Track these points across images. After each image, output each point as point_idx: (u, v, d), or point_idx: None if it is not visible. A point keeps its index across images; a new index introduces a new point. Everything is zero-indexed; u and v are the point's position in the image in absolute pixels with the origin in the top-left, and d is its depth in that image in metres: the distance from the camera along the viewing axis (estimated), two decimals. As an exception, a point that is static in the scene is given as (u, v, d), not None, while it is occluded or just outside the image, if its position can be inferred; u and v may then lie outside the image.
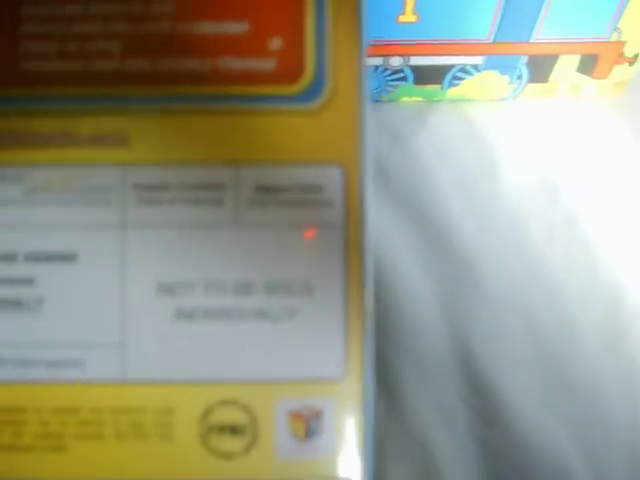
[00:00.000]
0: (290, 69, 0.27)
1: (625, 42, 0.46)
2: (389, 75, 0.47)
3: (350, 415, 0.25)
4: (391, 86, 0.48)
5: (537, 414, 0.38)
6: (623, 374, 0.39)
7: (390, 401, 0.38)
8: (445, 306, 0.41)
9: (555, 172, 0.46)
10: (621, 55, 0.47)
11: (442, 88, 0.49)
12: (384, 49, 0.45)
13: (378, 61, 0.46)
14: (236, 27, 0.27)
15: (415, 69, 0.47)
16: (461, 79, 0.48)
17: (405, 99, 0.50)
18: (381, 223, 0.44)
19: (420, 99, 0.50)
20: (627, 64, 0.48)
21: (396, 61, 0.47)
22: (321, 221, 0.26)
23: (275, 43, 0.27)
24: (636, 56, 0.48)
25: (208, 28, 0.27)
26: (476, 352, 0.39)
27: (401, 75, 0.48)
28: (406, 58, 0.46)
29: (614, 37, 0.46)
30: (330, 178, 0.26)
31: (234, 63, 0.27)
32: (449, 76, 0.48)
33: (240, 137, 0.26)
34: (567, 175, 0.46)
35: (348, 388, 0.25)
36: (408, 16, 0.43)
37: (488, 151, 0.47)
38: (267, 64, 0.27)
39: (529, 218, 0.44)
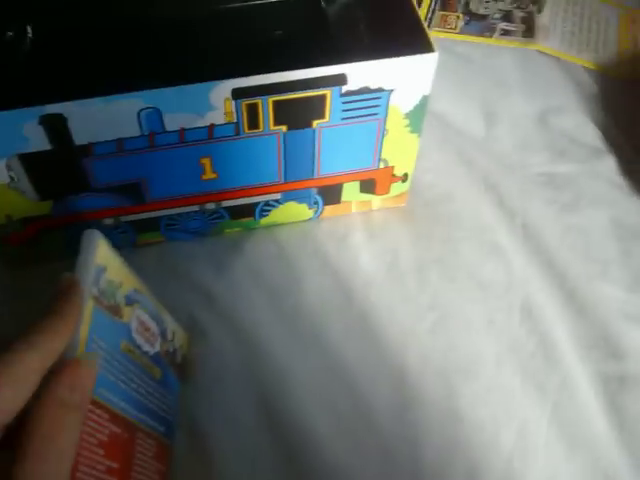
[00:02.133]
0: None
1: (393, 166, 0.58)
2: (208, 216, 0.58)
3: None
4: (212, 223, 0.59)
5: (333, 475, 0.47)
6: (407, 437, 0.49)
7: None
8: (259, 395, 0.50)
9: (349, 276, 0.57)
10: (393, 176, 0.59)
11: (255, 218, 0.59)
12: (197, 199, 0.56)
13: (195, 208, 0.56)
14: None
15: (228, 209, 0.57)
16: (268, 210, 0.59)
17: (227, 231, 0.60)
18: (211, 334, 0.53)
19: (239, 229, 0.60)
20: (400, 181, 0.60)
21: (210, 206, 0.57)
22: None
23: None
24: (405, 175, 0.60)
25: None
26: (289, 428, 0.49)
27: (218, 215, 0.58)
28: (218, 203, 0.57)
29: (382, 165, 0.57)
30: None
31: None
32: (258, 209, 0.58)
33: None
34: (360, 278, 0.57)
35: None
36: (209, 175, 0.53)
37: (294, 266, 0.57)
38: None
39: (329, 319, 0.55)
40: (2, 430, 0.29)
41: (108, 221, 0.55)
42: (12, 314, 0.52)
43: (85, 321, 0.35)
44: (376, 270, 0.57)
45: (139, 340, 0.42)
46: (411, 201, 0.61)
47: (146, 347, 0.43)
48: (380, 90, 0.50)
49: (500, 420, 0.49)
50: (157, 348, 0.45)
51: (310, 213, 0.60)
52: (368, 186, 0.59)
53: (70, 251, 0.52)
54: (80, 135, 0.47)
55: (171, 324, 0.48)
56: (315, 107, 0.50)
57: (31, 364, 0.30)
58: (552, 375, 0.52)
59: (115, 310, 0.39)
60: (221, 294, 0.55)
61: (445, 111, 0.69)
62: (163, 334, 0.46)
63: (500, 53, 0.76)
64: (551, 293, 0.56)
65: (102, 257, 0.38)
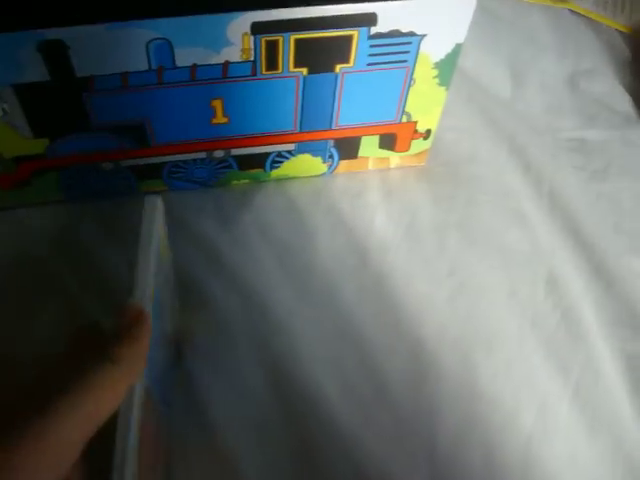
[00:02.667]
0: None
1: (416, 121, 0.54)
2: (216, 165, 0.54)
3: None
4: (220, 173, 0.55)
5: (348, 451, 0.44)
6: (422, 412, 0.46)
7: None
8: (266, 361, 0.47)
9: (364, 236, 0.53)
10: (415, 132, 0.55)
11: (265, 170, 0.55)
12: (205, 145, 0.51)
13: (202, 155, 0.52)
14: None
15: (237, 158, 0.53)
16: (280, 162, 0.55)
17: (235, 182, 0.56)
18: (215, 296, 0.49)
19: (248, 181, 0.56)
20: (422, 138, 0.56)
21: (219, 153, 0.53)
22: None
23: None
24: (428, 131, 0.56)
25: None
26: (293, 399, 0.45)
27: (226, 164, 0.54)
28: (227, 150, 0.52)
29: (405, 119, 0.53)
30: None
31: None
32: (269, 160, 0.54)
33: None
34: (376, 239, 0.53)
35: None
36: (220, 119, 0.49)
37: (306, 223, 0.53)
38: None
39: (341, 281, 0.51)
40: None
41: (107, 165, 0.51)
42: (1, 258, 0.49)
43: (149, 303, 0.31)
44: (393, 231, 0.54)
45: (164, 316, 0.38)
46: (431, 160, 0.58)
47: (166, 324, 0.39)
48: (412, 34, 0.46)
49: (520, 397, 0.46)
50: (171, 325, 0.41)
51: (324, 168, 0.56)
52: (388, 141, 0.55)
53: (64, 196, 0.48)
54: (82, 66, 0.43)
55: (176, 301, 0.44)
56: (340, 49, 0.45)
57: (75, 436, 0.26)
58: (575, 352, 0.48)
59: (160, 287, 0.35)
60: (226, 250, 0.51)
61: (471, 68, 0.65)
62: (172, 310, 0.42)
63: (530, 11, 0.72)
64: (578, 266, 0.53)
65: (160, 227, 0.34)
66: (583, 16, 0.72)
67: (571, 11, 0.72)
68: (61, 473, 0.26)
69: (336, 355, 0.47)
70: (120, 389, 0.28)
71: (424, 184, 0.57)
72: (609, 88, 0.65)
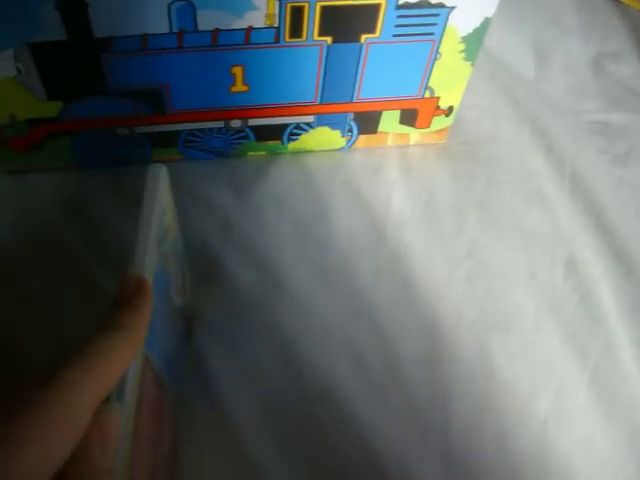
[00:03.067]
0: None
1: (438, 97, 0.53)
2: (232, 135, 0.52)
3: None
4: (236, 144, 0.53)
5: (360, 432, 0.43)
6: (437, 393, 0.45)
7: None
8: (278, 338, 0.46)
9: (382, 213, 0.52)
10: (437, 108, 0.54)
11: (283, 142, 0.54)
12: (223, 114, 0.50)
13: (219, 124, 0.51)
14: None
15: (255, 128, 0.52)
16: (298, 134, 0.53)
17: (251, 154, 0.55)
18: (227, 270, 0.48)
19: (264, 153, 0.55)
20: (444, 115, 0.55)
21: (236, 123, 0.51)
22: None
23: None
24: (450, 108, 0.54)
25: None
26: (307, 379, 0.44)
27: (243, 134, 0.52)
28: (244, 120, 0.51)
29: (427, 94, 0.52)
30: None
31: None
32: (287, 132, 0.53)
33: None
34: (393, 216, 0.52)
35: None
36: (239, 87, 0.48)
37: (322, 197, 0.52)
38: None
39: (357, 258, 0.50)
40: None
41: (122, 131, 0.50)
42: (12, 224, 0.48)
43: (151, 272, 0.30)
44: (411, 209, 0.52)
45: (172, 291, 0.37)
46: (451, 139, 0.56)
47: (176, 299, 0.38)
48: (440, 6, 0.44)
49: (536, 381, 0.46)
50: (181, 300, 0.40)
51: (342, 142, 0.55)
52: (409, 117, 0.54)
53: (76, 162, 0.47)
54: (101, 26, 0.41)
55: (188, 276, 0.43)
56: (367, 18, 0.44)
57: (87, 401, 0.25)
58: (594, 337, 0.48)
59: (165, 258, 0.34)
60: (240, 222, 0.50)
61: (495, 46, 0.63)
62: (184, 285, 0.41)
63: (556, -10, 0.70)
64: (598, 250, 0.52)
65: (165, 198, 0.33)
66: (610, -2, 0.70)
67: (597, -8, 0.71)
68: (77, 438, 0.25)
69: (350, 334, 0.46)
70: (126, 355, 0.28)
71: (444, 162, 0.55)
72: (634, 71, 0.64)
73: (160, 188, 0.33)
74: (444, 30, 0.46)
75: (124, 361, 0.28)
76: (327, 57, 0.46)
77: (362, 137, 0.55)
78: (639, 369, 0.47)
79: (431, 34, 0.46)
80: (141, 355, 0.29)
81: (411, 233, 0.51)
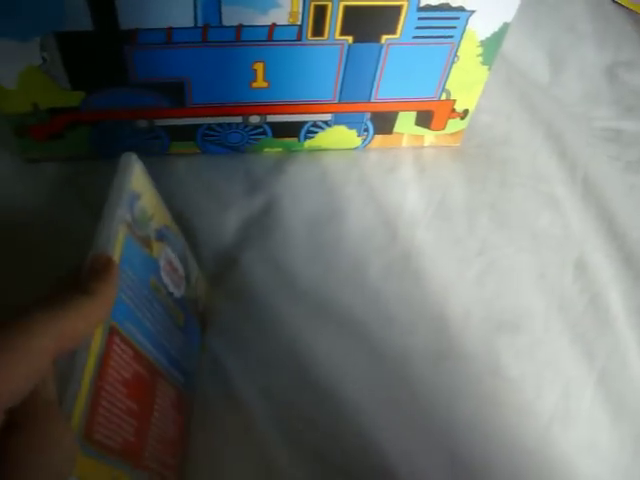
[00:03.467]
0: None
1: (455, 100, 0.53)
2: (250, 130, 0.53)
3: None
4: (253, 139, 0.54)
5: (370, 422, 0.43)
6: (443, 390, 0.45)
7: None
8: (290, 336, 0.46)
9: (395, 212, 0.53)
10: (453, 111, 0.54)
11: (299, 140, 0.55)
12: (242, 109, 0.51)
13: (238, 119, 0.52)
14: None
15: (273, 125, 0.53)
16: (315, 132, 0.54)
17: (267, 150, 0.56)
18: (240, 265, 0.49)
19: (280, 150, 0.56)
20: (459, 118, 0.55)
21: (255, 119, 0.52)
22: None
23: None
24: (466, 111, 0.55)
25: None
26: (320, 370, 0.45)
27: (261, 130, 0.53)
28: (263, 116, 0.52)
29: (444, 96, 0.53)
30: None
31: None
32: (304, 130, 0.54)
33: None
34: (406, 215, 0.53)
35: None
36: (260, 83, 0.49)
37: (337, 195, 0.53)
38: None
39: (369, 255, 0.50)
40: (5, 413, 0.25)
41: (142, 123, 0.51)
42: (29, 211, 0.49)
43: (117, 249, 0.31)
44: (424, 208, 0.53)
45: (166, 279, 0.38)
46: (465, 142, 0.57)
47: (172, 288, 0.39)
48: (461, 9, 0.45)
49: (542, 381, 0.46)
50: (182, 292, 0.41)
51: (358, 141, 0.55)
52: (424, 119, 0.54)
53: (94, 152, 0.48)
54: (127, 18, 0.42)
55: (195, 270, 0.44)
56: (388, 19, 0.45)
57: (49, 345, 0.26)
58: (602, 338, 0.48)
59: (146, 242, 0.35)
60: (255, 218, 0.51)
61: (511, 51, 0.64)
62: (188, 278, 0.42)
63: (572, -2, 0.71)
64: (608, 254, 0.52)
65: (138, 183, 0.34)
66: (624, 7, 0.71)
67: (612, 1, 0.71)
68: (35, 381, 0.26)
69: (360, 330, 0.46)
70: (93, 319, 0.29)
71: (458, 164, 0.56)
72: (648, 81, 0.64)
73: (133, 172, 0.33)
74: (463, 33, 0.47)
75: (89, 323, 0.28)
76: (347, 56, 0.47)
77: (378, 137, 0.55)
78: (646, 372, 0.47)
79: (450, 37, 0.47)
80: (107, 325, 0.30)
81: (423, 232, 0.52)
